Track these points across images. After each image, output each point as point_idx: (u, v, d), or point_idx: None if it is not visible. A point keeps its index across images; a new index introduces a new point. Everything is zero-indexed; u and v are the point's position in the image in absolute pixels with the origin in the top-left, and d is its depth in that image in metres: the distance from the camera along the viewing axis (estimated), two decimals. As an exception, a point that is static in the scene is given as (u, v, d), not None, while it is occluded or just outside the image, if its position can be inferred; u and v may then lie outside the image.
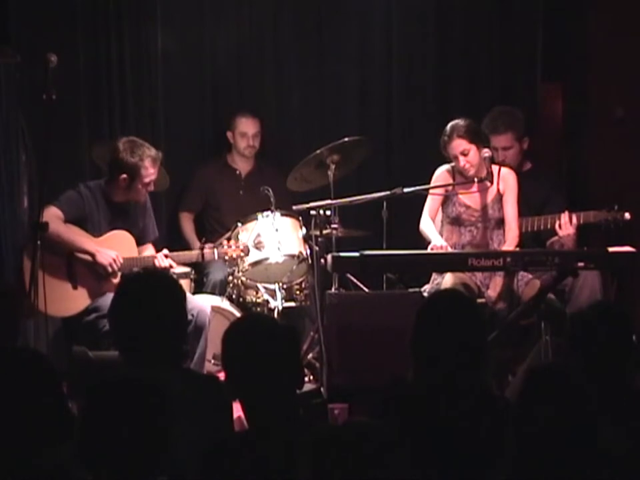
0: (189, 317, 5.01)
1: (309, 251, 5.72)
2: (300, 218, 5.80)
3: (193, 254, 5.66)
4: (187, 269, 5.85)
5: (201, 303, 5.34)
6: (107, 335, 4.99)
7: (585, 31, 6.59)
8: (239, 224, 5.83)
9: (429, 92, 6.84)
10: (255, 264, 5.78)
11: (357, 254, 5.07)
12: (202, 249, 5.59)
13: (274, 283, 5.83)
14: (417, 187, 5.83)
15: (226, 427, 3.23)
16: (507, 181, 5.52)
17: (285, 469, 2.60)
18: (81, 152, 6.23)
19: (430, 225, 5.55)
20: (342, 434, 2.13)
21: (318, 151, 5.90)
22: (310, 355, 5.62)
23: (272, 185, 5.93)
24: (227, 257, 5.61)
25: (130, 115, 6.33)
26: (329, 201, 5.56)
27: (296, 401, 2.92)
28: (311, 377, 5.54)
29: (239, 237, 5.77)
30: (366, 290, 5.58)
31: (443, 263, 5.29)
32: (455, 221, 5.55)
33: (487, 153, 5.44)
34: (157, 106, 6.53)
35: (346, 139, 5.92)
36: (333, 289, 5.33)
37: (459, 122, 5.45)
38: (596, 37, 6.51)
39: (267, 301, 5.85)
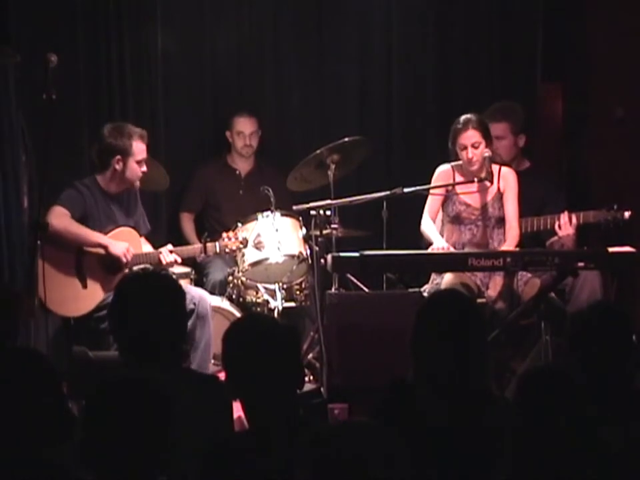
0: (191, 306, 5.06)
1: (308, 251, 5.73)
2: (300, 218, 5.80)
3: (196, 248, 5.69)
4: (187, 269, 5.85)
5: (200, 292, 5.38)
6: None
7: (584, 31, 6.60)
8: (239, 224, 5.83)
9: (429, 92, 6.84)
10: (254, 264, 5.78)
11: (357, 254, 5.07)
12: (204, 242, 5.61)
13: (274, 283, 5.83)
14: (417, 187, 5.84)
15: (226, 426, 3.23)
16: (507, 179, 5.53)
17: (285, 469, 2.59)
18: (81, 152, 6.22)
19: (431, 226, 5.55)
20: (342, 434, 2.13)
21: (318, 151, 5.90)
22: (310, 355, 5.62)
23: (272, 184, 5.94)
24: (227, 250, 5.63)
25: (130, 114, 6.33)
26: (328, 201, 5.56)
27: (296, 400, 2.92)
28: (311, 377, 5.54)
29: (239, 234, 5.77)
30: (366, 290, 5.58)
31: (443, 262, 5.30)
32: (455, 220, 5.55)
33: (487, 152, 5.44)
34: (157, 106, 6.53)
35: (346, 139, 5.92)
36: (333, 289, 5.33)
37: (472, 115, 5.46)
38: (596, 36, 6.51)
39: (267, 301, 5.85)
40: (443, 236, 5.53)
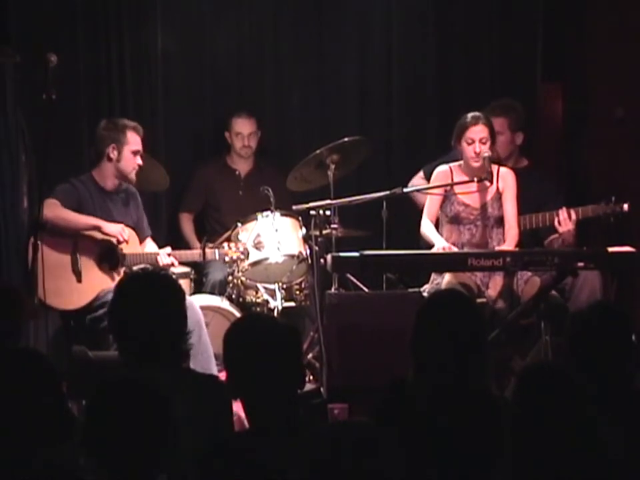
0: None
1: (308, 251, 5.72)
2: (300, 218, 5.80)
3: (195, 253, 5.71)
4: (186, 269, 5.86)
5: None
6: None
7: (585, 31, 6.60)
8: (239, 224, 5.83)
9: (429, 92, 6.84)
10: (254, 264, 5.78)
11: (356, 254, 5.07)
12: (203, 248, 5.62)
13: (274, 283, 5.83)
14: (417, 187, 5.85)
15: (226, 426, 3.23)
16: (506, 179, 5.53)
17: (285, 469, 2.59)
18: (81, 152, 6.22)
19: (430, 228, 5.55)
20: (341, 434, 2.13)
21: (318, 151, 5.89)
22: (310, 355, 5.61)
23: (272, 184, 5.93)
24: (227, 258, 5.65)
25: (130, 114, 6.32)
26: (328, 201, 5.56)
27: (296, 400, 2.92)
28: (311, 377, 5.54)
29: (239, 237, 5.77)
30: (366, 290, 5.58)
31: (443, 262, 5.30)
32: (454, 220, 5.55)
33: (486, 152, 5.43)
34: (157, 106, 6.53)
35: (346, 139, 5.92)
36: (332, 289, 5.33)
37: (481, 113, 5.48)
38: (596, 36, 6.51)
39: (267, 301, 5.85)
40: (442, 235, 5.53)
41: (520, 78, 6.75)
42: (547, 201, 5.77)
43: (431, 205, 5.60)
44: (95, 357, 4.94)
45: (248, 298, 5.92)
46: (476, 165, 5.41)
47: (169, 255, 5.57)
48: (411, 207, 6.03)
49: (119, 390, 2.57)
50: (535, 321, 5.17)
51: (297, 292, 5.95)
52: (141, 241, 5.72)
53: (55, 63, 4.91)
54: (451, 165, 5.57)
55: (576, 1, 6.65)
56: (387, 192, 5.44)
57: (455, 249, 5.41)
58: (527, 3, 6.74)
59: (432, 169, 5.71)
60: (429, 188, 5.59)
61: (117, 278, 5.43)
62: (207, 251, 5.62)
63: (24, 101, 5.52)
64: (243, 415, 2.93)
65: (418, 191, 5.83)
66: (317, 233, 5.51)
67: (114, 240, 5.46)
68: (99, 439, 2.51)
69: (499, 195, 5.53)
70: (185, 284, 5.62)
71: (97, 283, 5.46)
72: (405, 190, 5.59)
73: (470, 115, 5.45)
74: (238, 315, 5.56)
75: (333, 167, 5.86)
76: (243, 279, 5.86)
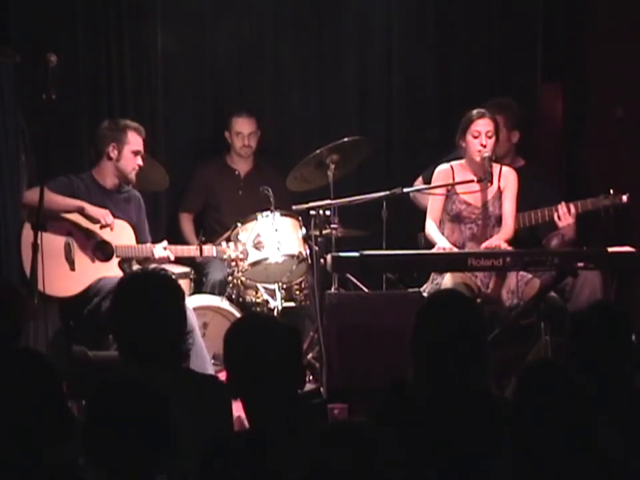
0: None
1: (308, 251, 5.72)
2: (300, 218, 5.80)
3: (192, 248, 5.72)
4: (186, 269, 5.86)
5: None
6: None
7: (584, 31, 6.60)
8: (239, 224, 5.83)
9: (429, 92, 6.84)
10: (254, 264, 5.78)
11: (356, 254, 5.07)
12: (200, 243, 5.63)
13: (273, 283, 5.83)
14: (417, 187, 5.85)
15: (226, 426, 3.23)
16: (507, 178, 5.54)
17: (285, 469, 2.60)
18: (81, 152, 6.22)
19: (434, 228, 5.54)
20: (341, 434, 2.13)
21: (318, 151, 5.90)
22: (310, 355, 5.61)
23: (271, 184, 5.94)
24: (225, 256, 5.64)
25: (130, 114, 6.32)
26: (328, 201, 5.56)
27: (296, 400, 2.92)
28: (311, 377, 5.54)
29: (239, 237, 5.77)
30: (366, 290, 5.58)
31: (443, 262, 5.30)
32: (456, 218, 5.55)
33: (486, 152, 5.44)
34: (157, 106, 6.53)
35: (346, 139, 5.92)
36: (332, 289, 5.33)
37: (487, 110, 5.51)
38: (596, 36, 6.51)
39: (267, 301, 5.85)
40: (444, 234, 5.53)
41: (520, 78, 6.75)
42: (543, 200, 5.77)
43: (433, 206, 5.60)
44: (95, 357, 4.93)
45: (248, 298, 5.92)
46: (480, 158, 5.40)
47: (165, 248, 5.58)
48: (411, 207, 6.03)
49: (119, 390, 2.57)
50: (535, 321, 5.17)
51: (297, 292, 5.95)
52: (142, 243, 5.70)
53: (54, 63, 4.91)
54: (452, 163, 5.58)
55: (576, 0, 6.65)
56: (387, 192, 5.44)
57: (455, 250, 5.41)
58: (527, 3, 6.74)
59: (430, 174, 5.73)
60: (430, 188, 5.59)
61: (111, 268, 5.48)
62: (205, 247, 5.63)
63: (24, 101, 5.51)
64: (243, 415, 2.93)
65: (418, 191, 5.83)
66: (317, 233, 5.51)
67: (98, 222, 5.45)
68: (99, 439, 2.51)
69: (500, 194, 5.54)
70: (184, 284, 5.62)
71: (90, 272, 5.47)
72: (405, 190, 5.59)
73: (475, 110, 5.49)
74: (238, 315, 5.56)
75: (332, 166, 5.86)
76: (243, 279, 5.86)
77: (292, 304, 5.91)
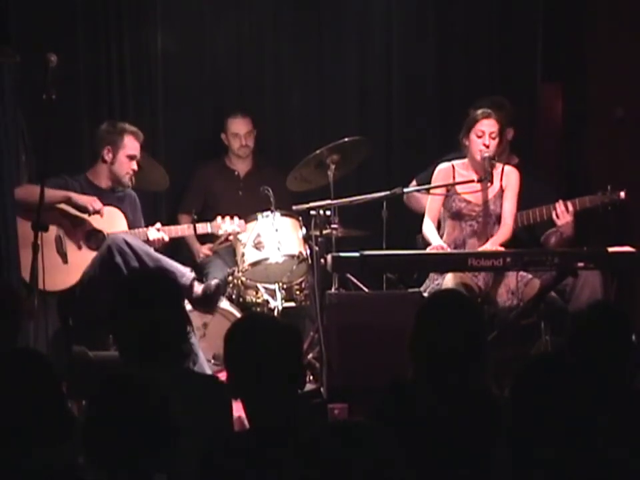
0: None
1: (308, 251, 5.72)
2: (300, 218, 5.80)
3: (185, 227, 5.74)
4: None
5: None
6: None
7: (584, 31, 6.59)
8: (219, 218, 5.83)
9: (429, 92, 6.84)
10: (254, 264, 5.78)
11: (357, 254, 5.07)
12: (194, 222, 5.65)
13: (274, 283, 5.83)
14: (417, 187, 5.85)
15: (226, 426, 3.23)
16: (509, 177, 5.56)
17: (285, 469, 2.59)
18: (81, 152, 6.22)
19: (430, 227, 5.56)
20: (341, 434, 2.13)
21: (318, 151, 5.89)
22: (310, 355, 5.61)
23: (271, 184, 5.93)
24: (220, 232, 5.64)
25: (130, 114, 6.33)
26: (328, 201, 5.56)
27: (296, 400, 2.92)
28: (311, 377, 5.54)
29: (239, 237, 5.77)
30: (366, 290, 5.57)
31: (443, 262, 5.30)
32: (456, 216, 5.56)
33: (486, 152, 5.44)
34: (157, 106, 6.53)
35: (346, 139, 5.92)
36: (332, 289, 5.32)
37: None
38: (596, 36, 6.51)
39: (267, 301, 5.85)
40: (444, 231, 5.53)
41: (520, 78, 6.75)
42: (539, 198, 5.78)
43: (432, 205, 5.61)
44: (95, 357, 4.94)
45: (248, 298, 5.92)
46: (482, 157, 5.40)
47: (158, 230, 5.58)
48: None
49: (119, 390, 2.57)
50: (535, 321, 5.17)
51: (297, 292, 5.95)
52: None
53: (54, 63, 4.91)
54: (454, 162, 5.58)
55: (576, 0, 6.65)
56: (387, 192, 5.45)
57: (449, 250, 5.41)
58: (527, 3, 6.74)
59: (426, 176, 5.73)
60: (431, 187, 5.59)
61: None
62: (198, 224, 5.64)
63: (24, 101, 5.52)
64: (243, 415, 2.93)
65: (419, 190, 5.83)
66: (317, 232, 5.51)
67: (87, 209, 5.44)
68: (99, 439, 2.51)
69: (501, 193, 5.55)
70: (184, 284, 5.61)
71: (83, 263, 5.45)
72: (406, 190, 5.59)
73: (481, 110, 5.51)
74: (238, 315, 5.56)
75: (333, 167, 5.86)
76: (243, 279, 5.86)
77: (292, 304, 5.91)
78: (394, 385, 3.18)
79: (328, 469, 2.07)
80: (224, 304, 5.70)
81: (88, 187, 5.64)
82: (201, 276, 6.06)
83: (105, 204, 5.57)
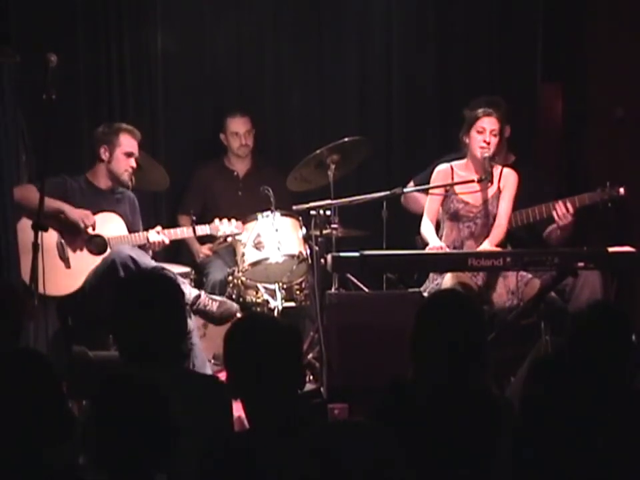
0: None
1: (308, 251, 5.72)
2: (300, 218, 5.80)
3: (185, 230, 5.74)
4: (186, 269, 5.86)
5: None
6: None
7: (584, 31, 6.59)
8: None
9: (429, 92, 6.84)
10: (254, 264, 5.78)
11: (357, 254, 5.07)
12: (193, 223, 5.65)
13: (274, 283, 5.83)
14: (417, 187, 5.85)
15: (226, 426, 3.23)
16: (507, 179, 5.55)
17: (285, 469, 2.59)
18: (81, 152, 6.22)
19: (429, 227, 5.55)
20: (341, 434, 2.13)
21: (318, 151, 5.89)
22: (310, 355, 5.61)
23: (271, 184, 5.93)
24: (219, 233, 5.65)
25: (130, 114, 6.33)
26: (328, 201, 5.56)
27: (296, 400, 2.92)
28: (311, 377, 5.54)
29: (239, 237, 5.78)
30: (366, 290, 5.58)
31: (443, 262, 5.29)
32: (454, 217, 5.56)
33: (486, 152, 5.44)
34: (157, 106, 6.53)
35: (346, 139, 5.92)
36: (333, 289, 5.32)
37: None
38: (596, 36, 6.51)
39: (267, 301, 5.85)
40: (443, 232, 5.53)
41: (520, 78, 6.75)
42: (536, 197, 5.78)
43: (431, 205, 5.61)
44: (95, 357, 4.94)
45: (248, 298, 5.92)
46: (482, 155, 5.40)
47: (158, 232, 5.58)
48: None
49: (119, 390, 2.57)
50: (535, 321, 5.17)
51: (297, 292, 5.95)
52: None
53: (54, 63, 4.91)
54: (453, 163, 5.58)
55: (576, 0, 6.65)
56: (387, 192, 5.45)
57: (447, 250, 5.41)
58: (527, 3, 6.74)
59: (424, 177, 5.73)
60: (430, 188, 5.59)
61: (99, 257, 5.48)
62: (198, 226, 5.65)
63: (24, 101, 5.52)
64: (243, 415, 2.93)
65: (419, 190, 5.83)
66: (317, 232, 5.51)
67: (78, 225, 5.45)
68: (99, 439, 2.51)
69: (499, 194, 5.54)
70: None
71: (86, 267, 5.46)
72: (406, 190, 5.59)
73: (482, 108, 5.52)
74: (238, 315, 5.56)
75: (333, 166, 5.86)
76: (243, 279, 5.86)
77: (292, 304, 5.91)
78: (394, 385, 3.18)
79: (328, 469, 2.07)
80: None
81: (87, 187, 5.65)
82: (201, 276, 6.07)
83: (103, 207, 5.58)
